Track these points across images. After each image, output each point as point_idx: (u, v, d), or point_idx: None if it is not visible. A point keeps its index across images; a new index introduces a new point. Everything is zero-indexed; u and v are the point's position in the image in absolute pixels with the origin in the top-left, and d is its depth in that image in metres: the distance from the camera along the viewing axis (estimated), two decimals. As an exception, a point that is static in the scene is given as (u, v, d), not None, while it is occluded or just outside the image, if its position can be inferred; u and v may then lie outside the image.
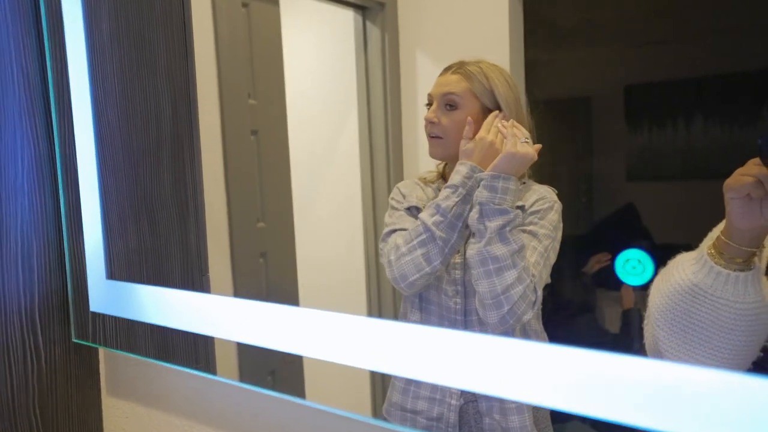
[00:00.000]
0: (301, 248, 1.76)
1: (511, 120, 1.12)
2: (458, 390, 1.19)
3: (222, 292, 1.46)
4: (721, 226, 0.83)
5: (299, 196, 2.22)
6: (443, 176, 1.35)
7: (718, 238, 0.76)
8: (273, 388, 1.63)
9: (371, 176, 2.07)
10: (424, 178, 1.38)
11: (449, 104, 1.20)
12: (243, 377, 1.52)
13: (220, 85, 1.46)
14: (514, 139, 1.09)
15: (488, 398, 1.18)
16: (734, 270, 0.73)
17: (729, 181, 0.72)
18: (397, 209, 1.28)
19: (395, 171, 2.06)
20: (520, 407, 1.15)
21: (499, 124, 1.10)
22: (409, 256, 1.13)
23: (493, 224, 1.05)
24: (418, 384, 1.24)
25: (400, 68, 2.03)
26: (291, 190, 1.72)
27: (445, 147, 1.22)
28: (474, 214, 1.08)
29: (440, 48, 2.03)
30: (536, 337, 1.22)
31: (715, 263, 0.74)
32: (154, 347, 0.96)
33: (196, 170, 1.04)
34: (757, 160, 0.70)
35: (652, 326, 0.85)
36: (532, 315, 1.07)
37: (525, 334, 1.19)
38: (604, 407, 0.28)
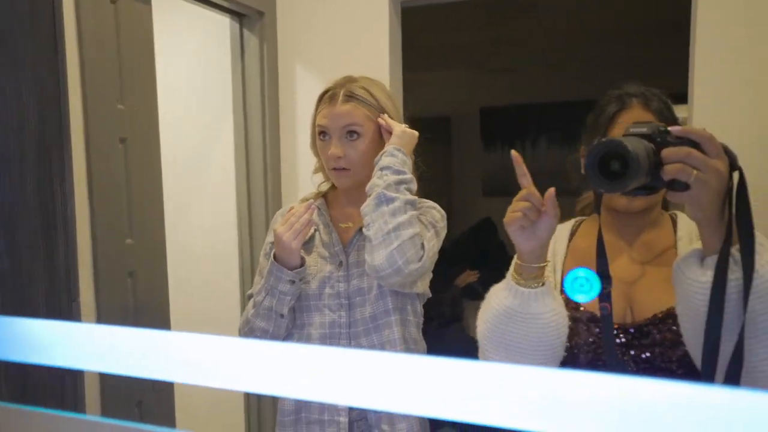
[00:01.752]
0: (172, 266, 1.63)
1: (383, 115, 1.20)
2: (345, 407, 1.18)
3: (84, 316, 1.30)
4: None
5: (171, 210, 2.07)
6: (324, 196, 1.34)
7: (515, 263, 0.89)
8: (140, 419, 1.48)
9: (247, 189, 1.99)
10: (305, 198, 1.36)
11: (351, 133, 1.20)
12: (106, 411, 1.37)
13: (84, 86, 1.31)
14: (394, 123, 1.20)
15: (377, 410, 1.19)
16: (533, 287, 0.86)
17: (505, 219, 0.86)
18: (267, 255, 1.28)
19: (273, 185, 2.00)
20: (406, 414, 1.18)
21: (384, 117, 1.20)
22: (251, 335, 1.22)
23: (393, 177, 1.13)
24: (308, 409, 1.21)
25: (278, 79, 1.98)
26: (162, 203, 1.59)
27: (352, 177, 1.22)
28: (374, 177, 1.15)
29: (321, 62, 2.02)
30: (415, 346, 1.25)
31: (518, 285, 0.87)
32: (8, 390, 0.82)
33: (66, 180, 0.91)
34: (522, 194, 0.85)
35: (482, 352, 0.95)
36: (419, 266, 1.10)
37: (405, 342, 1.21)
38: (477, 412, 0.29)
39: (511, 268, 0.92)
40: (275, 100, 1.96)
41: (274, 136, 1.96)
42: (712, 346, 0.76)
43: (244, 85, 1.91)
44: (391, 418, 1.18)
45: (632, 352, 0.93)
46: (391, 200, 1.11)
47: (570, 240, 1.07)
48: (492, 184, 4.94)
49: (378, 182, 1.13)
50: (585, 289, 0.78)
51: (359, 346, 1.19)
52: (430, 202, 1.27)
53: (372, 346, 1.18)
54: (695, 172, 0.73)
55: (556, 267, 1.03)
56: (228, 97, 1.96)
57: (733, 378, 0.75)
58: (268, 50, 1.89)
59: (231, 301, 2.10)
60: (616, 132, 0.96)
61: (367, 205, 1.13)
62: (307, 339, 1.21)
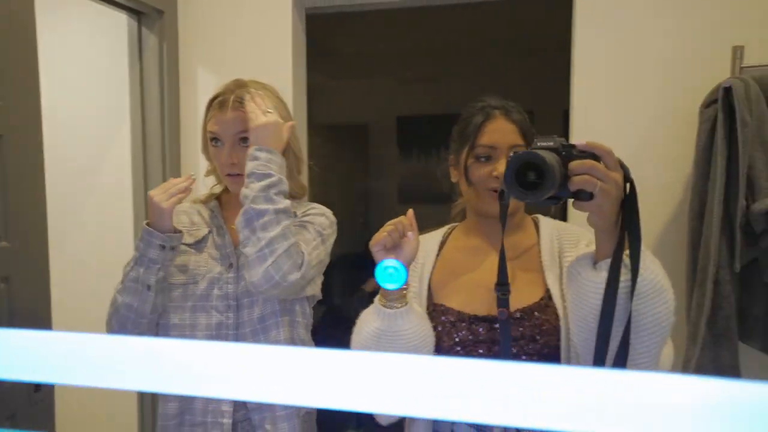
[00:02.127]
0: (61, 270, 1.55)
1: (256, 92, 1.16)
2: (229, 408, 1.17)
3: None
4: None
5: (62, 212, 1.96)
6: (218, 198, 1.33)
7: (382, 291, 0.97)
8: (15, 434, 1.39)
9: (144, 191, 1.92)
10: (199, 200, 1.34)
11: (244, 139, 1.19)
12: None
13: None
14: (256, 113, 1.12)
15: (260, 410, 1.19)
16: (397, 308, 0.94)
17: (371, 242, 0.94)
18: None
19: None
20: (289, 414, 1.18)
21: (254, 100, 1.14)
22: (114, 319, 1.19)
23: (258, 185, 1.09)
24: (191, 411, 1.19)
25: (179, 80, 1.93)
26: (45, 203, 1.51)
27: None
28: (243, 187, 1.11)
29: (223, 64, 1.99)
30: (304, 347, 1.26)
31: (385, 307, 0.96)
32: None
33: None
34: (391, 221, 0.95)
35: None
36: (299, 277, 1.09)
37: (293, 343, 1.22)
38: (372, 402, 0.31)
39: (379, 293, 1.00)
40: (176, 101, 1.91)
41: (174, 137, 1.91)
42: (604, 340, 0.83)
43: (142, 85, 1.85)
44: (274, 418, 1.18)
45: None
46: (260, 214, 1.08)
47: (440, 249, 1.14)
48: (408, 191, 5.04)
49: (246, 193, 1.10)
50: (394, 279, 0.85)
51: None
52: (319, 208, 1.27)
53: None
54: (599, 183, 0.79)
55: (423, 277, 1.09)
56: (125, 97, 1.89)
57: (619, 368, 0.82)
58: (168, 50, 1.85)
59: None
60: (485, 140, 1.05)
61: (238, 222, 1.10)
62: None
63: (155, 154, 1.88)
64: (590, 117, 1.72)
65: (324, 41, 4.47)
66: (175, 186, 1.13)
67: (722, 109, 1.46)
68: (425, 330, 0.98)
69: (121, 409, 2.05)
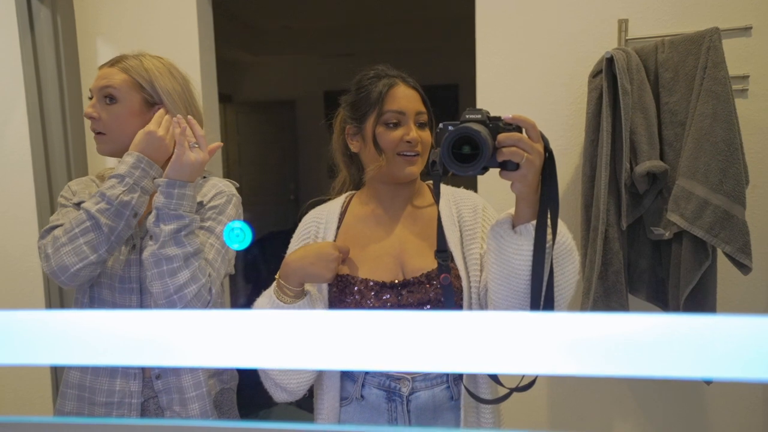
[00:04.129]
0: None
1: (189, 117, 1.13)
2: (138, 388, 1.17)
3: None
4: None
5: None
6: None
7: (277, 284, 1.03)
8: None
9: (47, 172, 1.86)
10: (102, 175, 1.32)
11: (108, 97, 1.16)
12: None
13: None
14: (183, 147, 1.08)
15: (168, 392, 1.19)
16: (296, 304, 1.01)
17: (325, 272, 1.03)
18: (65, 206, 1.20)
19: (77, 167, 1.88)
20: (200, 395, 1.19)
21: (175, 120, 1.11)
22: (70, 246, 1.07)
23: (168, 228, 1.06)
24: (92, 390, 1.18)
25: (78, 56, 1.85)
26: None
27: (109, 143, 1.18)
28: (151, 218, 1.08)
29: (123, 38, 1.93)
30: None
31: (283, 302, 1.01)
32: None
33: None
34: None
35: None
36: (209, 302, 1.10)
37: None
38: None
39: (273, 287, 1.04)
40: (76, 76, 1.84)
41: (76, 113, 1.85)
42: (536, 297, 0.90)
43: (36, 60, 1.77)
44: (183, 399, 1.18)
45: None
46: (170, 260, 1.06)
47: (341, 219, 1.16)
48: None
49: (155, 231, 1.07)
50: (239, 239, 0.88)
51: None
52: (225, 192, 1.22)
53: None
54: (525, 154, 0.83)
55: None
56: (18, 75, 1.80)
57: None
58: (63, 23, 1.77)
59: (34, 290, 1.96)
60: (393, 106, 1.09)
61: (146, 259, 1.07)
62: None
63: (56, 130, 1.81)
64: (492, 89, 1.80)
65: (239, 14, 4.38)
66: (174, 123, 1.10)
67: (606, 78, 1.56)
68: None
69: (37, 380, 2.00)
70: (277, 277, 1.04)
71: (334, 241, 1.12)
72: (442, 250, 1.01)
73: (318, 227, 1.15)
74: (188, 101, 1.23)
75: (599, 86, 1.60)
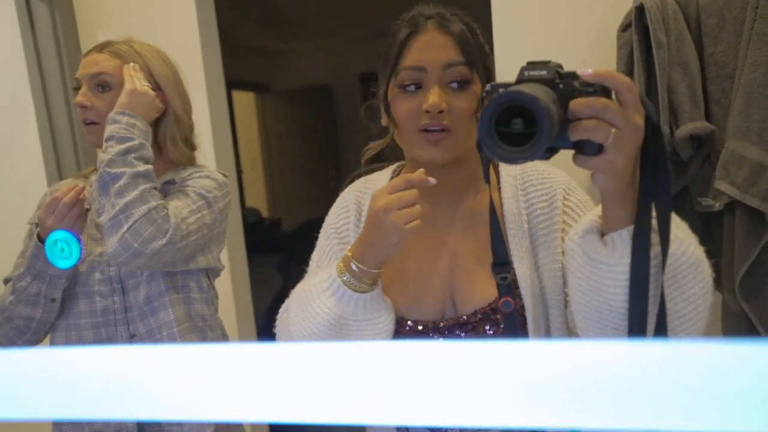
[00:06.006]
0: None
1: (132, 64, 1.09)
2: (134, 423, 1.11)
3: None
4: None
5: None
6: None
7: (349, 264, 0.75)
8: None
9: (58, 169, 1.83)
10: (84, 174, 1.27)
11: (101, 85, 1.10)
12: None
13: None
14: (132, 78, 1.06)
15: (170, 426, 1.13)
16: (367, 292, 0.75)
17: (410, 226, 0.71)
18: (31, 232, 1.15)
19: (86, 161, 1.85)
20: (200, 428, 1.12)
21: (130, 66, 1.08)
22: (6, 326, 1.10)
23: (117, 148, 1.01)
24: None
25: (81, 50, 1.81)
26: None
27: (102, 134, 1.12)
28: (100, 152, 1.03)
29: (126, 29, 1.87)
30: (204, 322, 1.18)
31: (353, 290, 0.74)
32: None
33: None
34: (410, 196, 0.71)
35: None
36: (165, 242, 1.00)
37: (190, 320, 1.15)
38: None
39: (334, 271, 0.76)
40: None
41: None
42: (639, 333, 0.61)
43: (38, 57, 1.74)
44: (181, 423, 1.12)
45: None
46: (116, 177, 0.99)
47: None
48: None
49: (102, 157, 1.02)
50: (65, 254, 0.74)
51: (137, 331, 1.13)
52: (205, 171, 1.18)
53: (149, 330, 1.12)
54: (613, 130, 0.55)
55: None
56: (23, 73, 1.78)
57: None
58: (62, 18, 1.73)
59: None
60: (410, 61, 0.79)
61: (93, 189, 1.02)
62: (77, 330, 1.13)
63: (64, 132, 1.78)
64: (511, 55, 1.63)
65: (276, 6, 4.32)
66: (62, 204, 1.02)
67: (636, 31, 1.36)
68: (394, 319, 0.80)
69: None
70: (349, 255, 0.76)
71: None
72: (502, 263, 0.75)
73: (360, 201, 0.91)
74: (180, 88, 1.18)
75: (630, 41, 1.41)
